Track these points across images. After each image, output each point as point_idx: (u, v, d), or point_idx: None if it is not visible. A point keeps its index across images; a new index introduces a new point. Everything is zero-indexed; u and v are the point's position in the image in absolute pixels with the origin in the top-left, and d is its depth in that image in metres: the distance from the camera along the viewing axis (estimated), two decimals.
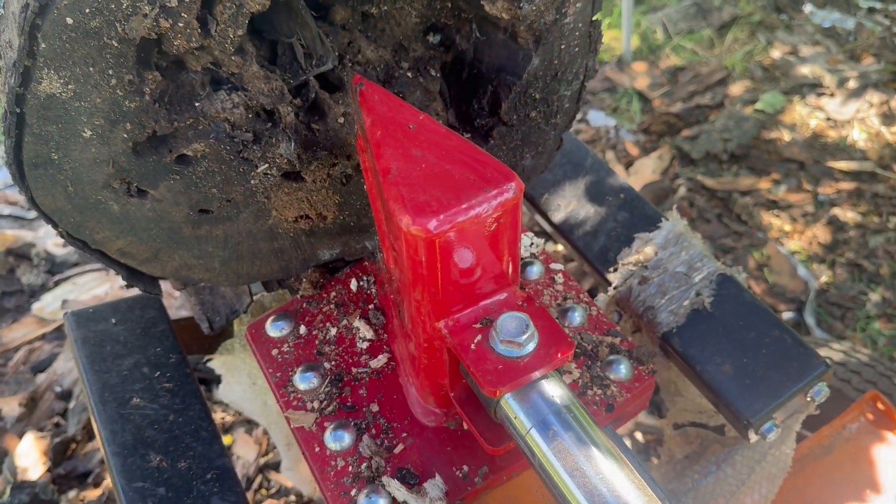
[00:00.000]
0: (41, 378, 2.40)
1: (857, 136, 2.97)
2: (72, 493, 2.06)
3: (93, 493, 2.06)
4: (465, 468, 0.80)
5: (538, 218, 1.23)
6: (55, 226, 0.77)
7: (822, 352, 1.67)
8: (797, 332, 2.33)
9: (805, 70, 3.29)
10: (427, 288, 0.66)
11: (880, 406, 1.41)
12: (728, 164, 2.94)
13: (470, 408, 0.76)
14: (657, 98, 3.31)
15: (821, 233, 2.63)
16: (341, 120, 0.82)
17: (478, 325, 0.69)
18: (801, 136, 3.00)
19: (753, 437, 0.94)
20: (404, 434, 0.83)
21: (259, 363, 0.91)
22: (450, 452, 0.81)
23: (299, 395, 0.86)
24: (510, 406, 0.66)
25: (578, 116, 3.27)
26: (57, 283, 2.68)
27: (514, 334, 0.66)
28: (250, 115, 0.78)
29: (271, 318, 0.94)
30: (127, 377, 1.01)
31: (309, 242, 0.93)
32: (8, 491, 2.06)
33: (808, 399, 0.96)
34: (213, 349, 1.30)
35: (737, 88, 3.27)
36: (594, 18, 0.84)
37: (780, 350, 0.97)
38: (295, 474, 1.54)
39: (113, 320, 1.08)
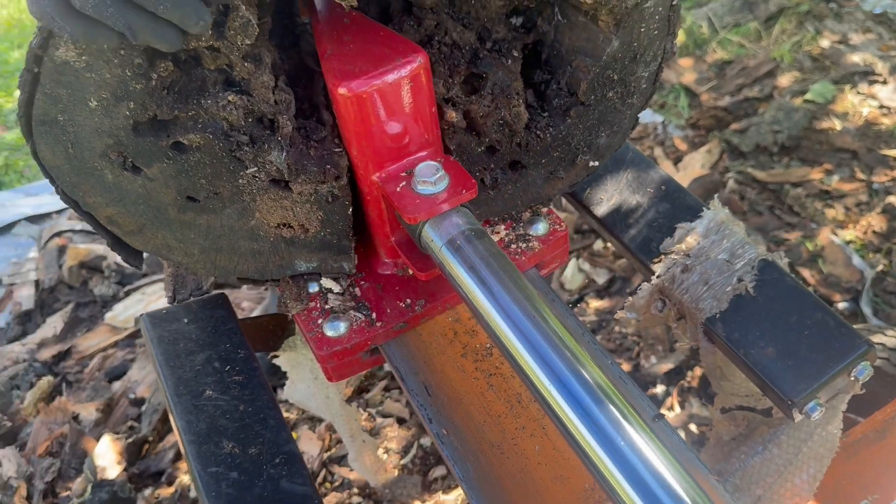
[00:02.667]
0: (116, 385, 2.53)
1: None
2: (147, 491, 2.17)
3: (167, 491, 2.17)
4: (409, 301, 1.03)
5: (586, 219, 1.27)
6: (53, 182, 0.85)
7: (877, 338, 1.66)
8: (853, 321, 2.31)
9: (856, 58, 3.24)
10: (359, 142, 0.86)
11: None
12: (779, 156, 2.92)
13: (406, 248, 0.98)
14: (705, 92, 3.30)
15: (876, 221, 2.59)
16: (338, 149, 0.90)
17: (404, 174, 0.89)
18: (854, 124, 2.96)
19: (798, 416, 0.97)
20: (363, 282, 1.05)
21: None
22: (398, 291, 1.04)
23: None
24: (428, 232, 0.86)
25: None
26: (127, 294, 2.82)
27: (428, 176, 0.86)
28: (250, 120, 0.85)
29: None
30: (199, 372, 1.09)
31: (288, 251, 1.01)
32: (89, 489, 2.18)
33: (852, 379, 0.98)
34: (277, 345, 1.37)
35: (785, 80, 3.24)
36: (674, 2, 0.89)
37: (822, 331, 0.99)
38: (360, 465, 1.61)
39: (185, 320, 1.16)
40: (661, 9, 0.88)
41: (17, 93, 0.78)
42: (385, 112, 0.84)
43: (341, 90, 0.81)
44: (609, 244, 2.72)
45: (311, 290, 1.05)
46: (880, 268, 2.45)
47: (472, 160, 1.01)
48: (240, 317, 1.20)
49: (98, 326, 2.73)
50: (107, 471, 2.23)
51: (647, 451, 0.65)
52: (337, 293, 1.04)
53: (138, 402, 2.46)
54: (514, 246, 1.06)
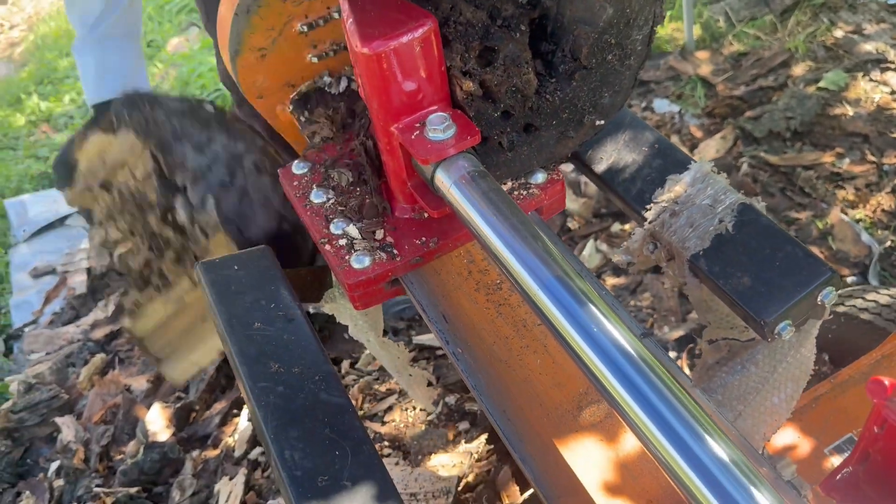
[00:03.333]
0: None
1: None
2: (195, 453, 2.35)
3: (213, 453, 2.35)
4: (424, 238, 1.17)
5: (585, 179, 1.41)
6: None
7: (870, 296, 1.78)
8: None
9: (869, 47, 3.34)
10: (381, 98, 1.00)
11: None
12: (791, 141, 3.03)
13: (421, 191, 1.11)
14: (720, 83, 3.41)
15: (885, 201, 2.69)
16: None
17: (418, 125, 1.02)
18: (865, 110, 3.06)
19: (771, 336, 1.10)
20: (386, 224, 1.21)
21: (286, 191, 1.29)
22: (415, 231, 1.18)
23: (314, 207, 1.23)
24: (439, 175, 0.99)
25: (643, 104, 3.42)
26: None
27: (437, 124, 0.99)
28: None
29: (296, 161, 1.31)
30: (249, 308, 1.25)
31: None
32: (141, 451, 2.37)
33: (819, 302, 1.11)
34: (317, 297, 1.54)
35: (799, 69, 3.35)
36: None
37: (792, 262, 1.12)
38: (413, 394, 1.82)
39: (235, 267, 1.32)
40: None
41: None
42: (400, 70, 0.98)
43: (364, 50, 0.95)
44: (627, 226, 2.85)
45: (334, 232, 1.21)
46: (888, 243, 2.55)
47: (489, 125, 1.13)
48: None
49: None
50: (157, 435, 2.42)
51: (633, 353, 0.79)
52: (361, 237, 1.20)
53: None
54: (515, 192, 1.20)
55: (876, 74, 3.20)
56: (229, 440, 2.35)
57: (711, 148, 3.03)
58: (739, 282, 1.14)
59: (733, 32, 3.67)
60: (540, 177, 1.21)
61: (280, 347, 1.20)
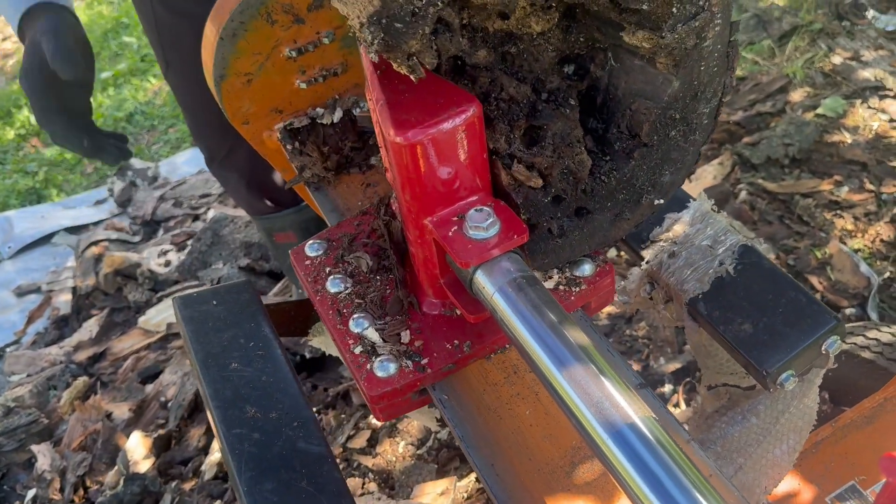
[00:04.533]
0: (149, 388, 2.66)
1: None
2: (174, 484, 2.29)
3: (192, 483, 2.28)
4: (457, 342, 1.04)
5: None
6: None
7: (871, 333, 1.73)
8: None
9: (867, 74, 3.31)
10: (414, 190, 0.88)
11: None
12: (789, 168, 2.99)
13: (456, 289, 0.98)
14: None
15: (884, 230, 2.65)
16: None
17: (455, 219, 0.90)
18: (864, 137, 3.03)
19: (773, 387, 1.05)
20: (411, 322, 1.07)
21: (298, 275, 1.17)
22: (445, 331, 1.05)
23: (329, 297, 1.11)
24: (479, 278, 0.87)
25: None
26: (160, 299, 2.95)
27: (480, 221, 0.87)
28: None
29: (309, 242, 1.18)
30: (226, 347, 1.19)
31: None
32: (122, 482, 2.30)
33: (824, 352, 1.06)
34: (302, 331, 1.48)
35: (797, 95, 3.32)
36: (731, 38, 0.88)
37: (795, 308, 1.07)
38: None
39: (214, 302, 1.27)
40: (719, 46, 0.87)
41: None
42: (439, 160, 0.86)
43: (397, 139, 0.83)
44: (622, 252, 2.80)
45: (354, 330, 1.06)
46: (887, 274, 2.50)
47: (538, 211, 1.00)
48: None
49: (132, 330, 2.87)
50: (138, 465, 2.35)
51: (629, 411, 0.73)
52: (383, 342, 1.05)
53: (168, 405, 2.58)
54: (562, 288, 1.07)
55: (874, 101, 3.17)
56: (207, 468, 2.29)
57: (709, 174, 3.00)
58: (740, 328, 1.09)
59: None
60: (588, 268, 1.08)
61: (257, 390, 1.14)
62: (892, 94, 3.19)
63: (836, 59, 3.45)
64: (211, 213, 3.39)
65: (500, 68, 0.96)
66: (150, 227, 3.35)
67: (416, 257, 1.01)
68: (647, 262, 1.20)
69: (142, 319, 2.85)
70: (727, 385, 1.21)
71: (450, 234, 0.89)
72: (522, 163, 0.95)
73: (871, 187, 2.82)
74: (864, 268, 2.52)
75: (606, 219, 1.05)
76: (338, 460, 2.12)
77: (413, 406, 1.06)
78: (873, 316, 2.37)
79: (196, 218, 3.41)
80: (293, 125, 1.43)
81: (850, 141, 3.02)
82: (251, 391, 1.14)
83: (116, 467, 2.34)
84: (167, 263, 3.04)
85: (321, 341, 1.51)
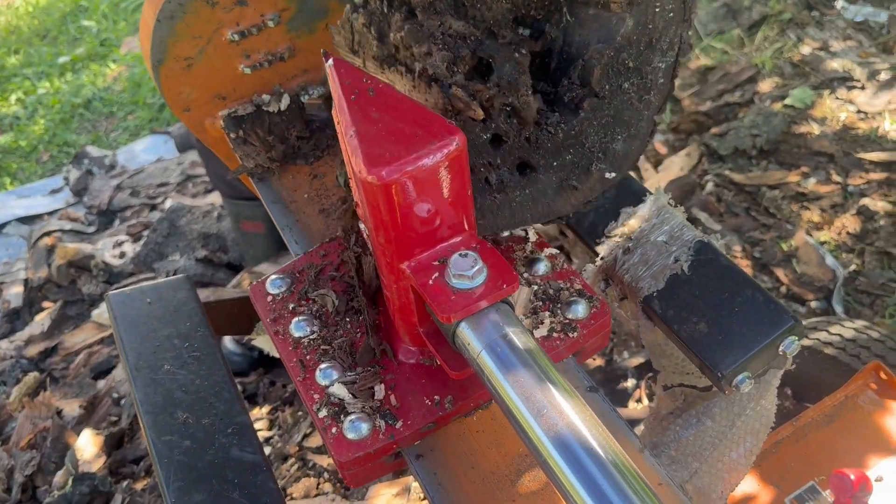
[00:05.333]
0: (101, 384, 2.58)
1: (889, 126, 2.96)
2: (125, 483, 2.21)
3: (142, 483, 2.21)
4: (437, 397, 0.92)
5: None
6: None
7: (834, 329, 1.70)
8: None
9: (835, 64, 3.30)
10: (387, 232, 0.77)
11: (883, 376, 1.45)
12: (757, 160, 2.96)
13: (436, 341, 0.87)
14: (687, 98, 3.35)
15: (850, 223, 2.63)
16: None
17: (436, 264, 0.80)
18: (831, 129, 3.01)
19: (728, 389, 1.01)
20: (385, 373, 0.95)
21: (259, 314, 1.05)
22: (424, 384, 0.94)
23: (293, 341, 0.99)
24: (464, 332, 0.77)
25: None
26: None
27: (465, 269, 0.77)
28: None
29: (272, 276, 1.06)
30: (159, 348, 1.13)
31: None
32: (70, 482, 2.22)
33: (781, 353, 1.02)
34: (246, 328, 1.42)
35: (766, 85, 3.29)
36: None
37: (752, 308, 1.03)
38: None
39: (148, 300, 1.20)
40: None
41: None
42: (418, 199, 0.76)
43: (370, 178, 0.72)
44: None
45: (321, 382, 0.94)
46: (853, 267, 2.49)
47: (476, 150, 0.94)
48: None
49: (85, 324, 2.78)
50: (88, 464, 2.27)
51: (575, 420, 0.68)
52: (353, 398, 0.93)
53: (121, 401, 2.51)
54: (556, 335, 0.96)
55: (842, 92, 3.16)
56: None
57: (676, 165, 2.96)
58: (695, 328, 1.04)
59: (700, 46, 3.61)
60: (581, 310, 0.97)
61: (190, 394, 1.08)
62: (859, 84, 3.17)
63: (805, 50, 3.43)
64: (168, 203, 3.30)
65: (450, 13, 0.90)
66: (106, 217, 3.25)
67: (391, 302, 0.90)
68: (601, 259, 1.16)
69: (95, 313, 2.76)
70: (683, 385, 1.17)
71: (430, 281, 0.78)
72: (464, 90, 0.87)
73: (837, 179, 2.81)
74: (829, 260, 2.51)
75: (552, 183, 0.99)
76: (293, 459, 2.06)
77: (388, 469, 0.94)
78: (838, 309, 2.35)
79: (153, 208, 3.31)
80: (237, 113, 1.35)
81: (817, 132, 3.00)
82: (184, 395, 1.08)
83: (65, 467, 2.26)
84: (122, 255, 2.94)
85: (265, 340, 1.45)
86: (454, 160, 0.74)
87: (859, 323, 1.73)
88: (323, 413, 0.91)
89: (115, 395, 2.48)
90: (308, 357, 0.97)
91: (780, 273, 2.52)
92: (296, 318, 1.00)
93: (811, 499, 1.34)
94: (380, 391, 0.93)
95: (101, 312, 2.76)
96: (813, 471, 1.38)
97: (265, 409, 2.30)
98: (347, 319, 1.00)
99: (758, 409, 1.09)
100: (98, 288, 2.88)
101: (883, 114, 3.01)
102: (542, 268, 1.01)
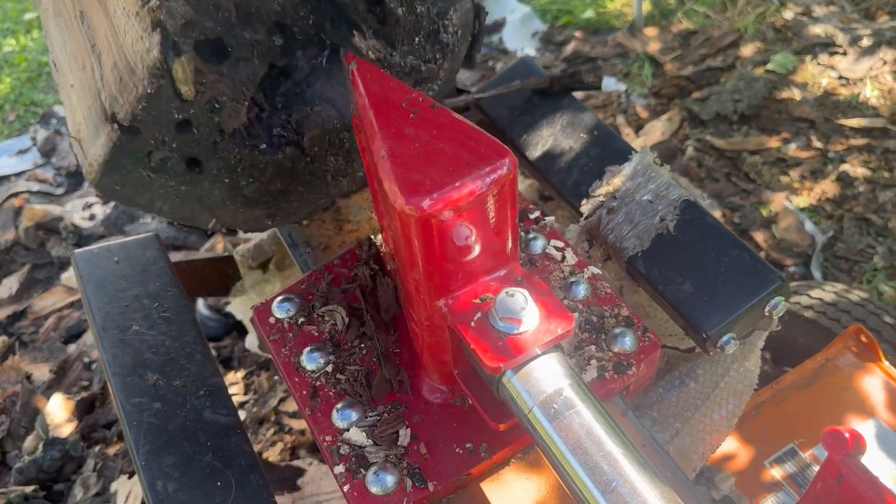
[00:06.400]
0: (71, 348, 2.52)
1: (869, 93, 2.95)
2: (97, 448, 2.18)
3: (116, 448, 2.17)
4: (470, 445, 0.81)
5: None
6: None
7: (815, 293, 1.69)
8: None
9: (818, 30, 3.27)
10: (425, 267, 0.66)
11: (863, 339, 1.44)
12: (738, 125, 2.95)
13: (474, 385, 0.77)
14: (669, 62, 3.31)
15: (829, 188, 2.63)
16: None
17: (477, 302, 0.69)
18: (812, 94, 2.99)
19: (713, 350, 0.99)
20: (411, 415, 0.84)
21: (265, 343, 0.94)
22: (455, 428, 0.82)
23: (306, 375, 0.89)
24: (512, 384, 0.67)
25: None
26: None
27: (514, 311, 0.66)
28: None
29: (278, 299, 0.96)
30: (128, 308, 1.09)
31: None
32: (41, 447, 2.18)
33: (767, 314, 1.00)
34: (220, 290, 1.37)
35: (748, 50, 3.26)
36: None
37: (738, 267, 1.01)
38: None
39: (116, 259, 1.16)
40: None
41: None
42: (460, 231, 0.64)
43: (407, 208, 0.61)
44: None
45: (338, 424, 0.84)
46: (831, 233, 2.49)
47: (156, 122, 0.81)
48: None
49: (54, 287, 2.71)
50: (59, 429, 2.23)
51: (650, 497, 0.61)
52: (375, 446, 0.83)
53: (92, 366, 2.46)
54: (608, 375, 0.86)
55: (824, 58, 3.14)
56: None
57: (657, 130, 2.94)
58: (680, 288, 1.02)
59: (683, 10, 3.57)
60: (629, 343, 0.87)
61: (160, 355, 1.04)
62: (841, 50, 3.15)
63: (788, 14, 3.40)
64: None
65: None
66: (75, 178, 3.17)
67: (420, 338, 0.79)
68: (585, 219, 1.13)
69: (65, 276, 2.70)
70: (667, 347, 1.15)
71: (472, 324, 0.67)
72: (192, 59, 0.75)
73: (818, 145, 2.80)
74: (808, 226, 2.51)
75: (214, 190, 0.89)
76: (269, 424, 2.04)
77: None
78: (816, 275, 2.35)
79: None
80: None
81: (798, 98, 2.98)
82: (154, 357, 1.04)
83: (35, 431, 2.22)
84: (92, 217, 2.87)
85: (242, 302, 1.41)
86: (504, 187, 0.63)
87: (839, 287, 1.73)
88: (339, 463, 0.81)
89: (87, 360, 2.43)
90: (322, 393, 0.87)
91: (759, 238, 2.51)
92: (307, 349, 0.90)
93: (790, 460, 1.34)
94: (404, 436, 0.82)
95: (70, 276, 2.70)
96: (793, 433, 1.38)
97: (240, 374, 2.26)
98: (362, 345, 0.90)
99: (741, 370, 1.07)
100: (67, 251, 2.81)
101: (864, 80, 3.00)
102: (582, 291, 0.92)
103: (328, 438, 0.83)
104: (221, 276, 1.33)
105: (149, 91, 0.72)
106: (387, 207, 0.67)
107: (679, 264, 1.03)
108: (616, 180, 1.13)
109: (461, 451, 0.81)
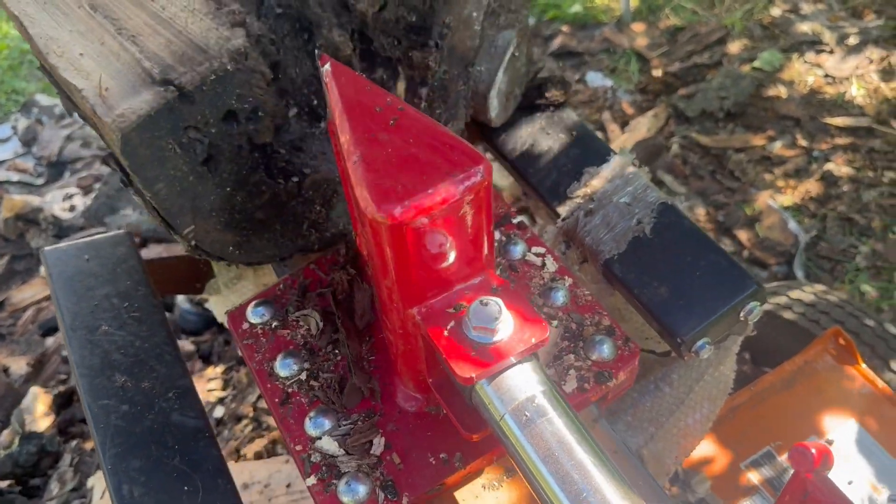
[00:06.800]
0: (50, 341, 2.49)
1: (855, 92, 2.95)
2: (74, 443, 2.16)
3: (91, 444, 2.15)
4: (444, 455, 0.81)
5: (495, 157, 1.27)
6: None
7: (794, 294, 1.69)
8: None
9: (805, 27, 3.27)
10: (397, 275, 0.66)
11: (841, 342, 1.44)
12: (724, 122, 2.94)
13: (448, 394, 0.76)
14: (655, 58, 3.30)
15: (813, 188, 2.63)
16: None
17: (451, 311, 0.68)
18: (799, 93, 2.99)
19: (688, 355, 0.98)
20: (385, 424, 0.83)
21: (239, 347, 0.92)
22: (429, 437, 0.81)
23: (279, 382, 0.87)
24: (485, 392, 0.66)
25: (576, 76, 3.28)
26: None
27: (487, 320, 0.66)
28: None
29: (252, 303, 0.94)
30: (97, 307, 1.07)
31: None
32: (17, 441, 2.16)
33: (742, 318, 0.99)
34: (194, 289, 1.35)
35: (735, 47, 3.26)
36: None
37: (714, 272, 1.00)
38: None
39: (86, 257, 1.14)
40: None
41: None
42: (434, 239, 0.64)
43: (378, 216, 0.60)
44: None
45: (310, 433, 0.83)
46: (814, 233, 2.49)
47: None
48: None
49: (33, 279, 2.68)
50: (35, 423, 2.21)
51: None
52: (347, 455, 0.82)
53: None
54: (587, 386, 0.85)
55: (811, 56, 3.14)
56: None
57: (643, 126, 2.93)
58: (656, 292, 1.01)
59: (670, 5, 3.56)
60: (607, 350, 0.86)
61: (129, 356, 1.02)
62: (828, 49, 3.15)
63: (776, 12, 3.39)
64: None
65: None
66: (56, 168, 3.13)
67: (394, 346, 0.78)
68: (562, 220, 1.12)
69: (44, 269, 2.67)
70: (643, 350, 1.14)
71: (445, 332, 0.67)
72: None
73: (803, 143, 2.80)
74: (792, 225, 2.51)
75: (211, 196, 0.88)
76: (247, 420, 2.02)
77: None
78: (799, 274, 2.36)
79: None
80: None
81: (785, 96, 2.98)
82: (122, 358, 1.02)
83: (12, 425, 2.20)
84: (72, 208, 2.84)
85: (217, 301, 1.39)
86: (479, 194, 0.62)
87: (818, 288, 1.72)
88: (311, 472, 0.80)
89: (65, 354, 2.41)
90: (295, 400, 0.85)
91: (742, 237, 2.51)
92: (281, 354, 0.88)
93: (766, 464, 1.33)
94: (378, 445, 0.81)
95: None
96: (769, 436, 1.38)
97: (219, 369, 2.24)
98: (336, 351, 0.89)
99: (716, 374, 1.07)
100: (47, 242, 2.78)
101: (850, 79, 3.00)
102: (561, 298, 0.91)
103: (299, 447, 0.82)
104: (195, 274, 1.32)
105: (228, 68, 0.77)
106: (359, 214, 0.66)
107: (655, 268, 1.02)
108: (594, 182, 1.12)
109: (435, 461, 0.80)
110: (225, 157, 0.83)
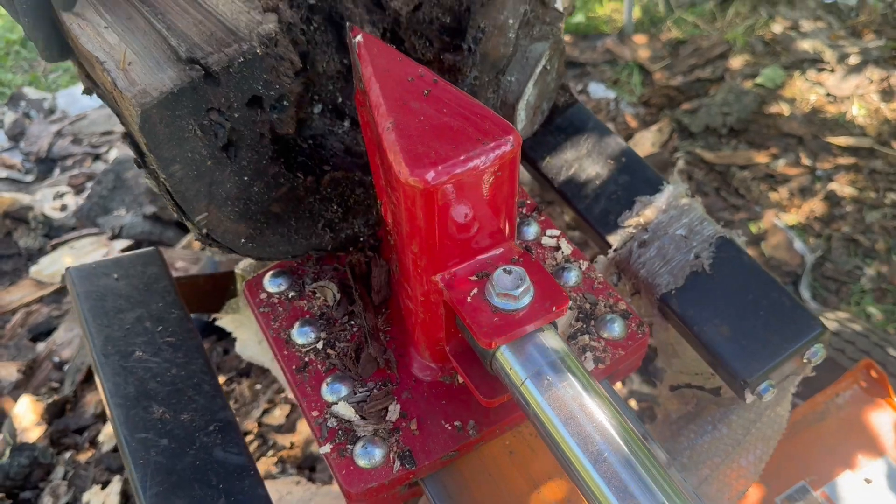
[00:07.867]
0: (41, 346, 2.41)
1: (857, 111, 2.97)
2: (68, 454, 2.08)
3: (87, 454, 2.08)
4: (459, 423, 0.82)
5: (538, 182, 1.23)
6: None
7: None
8: None
9: (806, 45, 3.28)
10: (424, 241, 0.68)
11: (873, 374, 1.43)
12: (727, 138, 2.94)
13: (466, 361, 0.78)
14: (658, 71, 3.29)
15: (818, 207, 2.64)
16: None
17: (474, 279, 0.71)
18: (801, 111, 3.00)
19: (750, 397, 0.95)
20: (401, 392, 0.85)
21: (256, 317, 0.92)
22: (444, 406, 0.83)
23: (296, 350, 0.89)
24: (505, 358, 0.68)
25: (578, 87, 3.26)
26: (55, 247, 2.68)
27: (510, 287, 0.68)
28: None
29: (269, 273, 0.95)
30: (129, 331, 1.01)
31: None
32: (8, 452, 2.08)
33: (805, 361, 0.97)
34: (216, 307, 1.31)
35: (737, 62, 3.26)
36: None
37: (778, 312, 0.97)
38: None
39: (115, 276, 1.08)
40: None
41: None
42: (461, 206, 0.67)
43: (412, 180, 0.62)
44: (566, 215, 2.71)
45: (327, 398, 0.84)
46: (820, 253, 2.49)
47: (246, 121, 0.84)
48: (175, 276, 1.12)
49: (22, 280, 2.59)
50: (27, 433, 2.13)
51: (640, 470, 0.61)
52: (363, 420, 0.83)
53: (63, 366, 2.35)
54: (589, 353, 0.88)
55: (812, 74, 3.15)
56: (106, 438, 2.09)
57: (647, 140, 2.92)
58: (717, 330, 0.98)
59: (672, 18, 3.56)
60: (617, 329, 0.89)
61: (166, 385, 0.97)
62: (829, 67, 3.17)
63: (777, 28, 3.40)
64: (114, 153, 3.09)
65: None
66: (46, 165, 3.03)
67: (413, 315, 0.80)
68: (614, 250, 1.09)
69: (34, 269, 2.58)
70: (692, 386, 1.12)
71: (468, 299, 0.69)
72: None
73: (806, 162, 2.80)
74: (798, 245, 2.51)
75: (228, 183, 0.86)
76: (252, 437, 1.96)
77: (402, 499, 0.84)
78: (806, 295, 2.36)
79: (97, 157, 3.10)
80: None
81: (787, 113, 2.99)
82: (159, 387, 0.97)
83: (2, 436, 2.11)
84: (63, 207, 2.75)
85: (233, 320, 1.34)
86: (507, 164, 0.65)
87: (841, 315, 1.72)
88: (327, 437, 0.81)
89: (57, 360, 2.32)
90: (311, 367, 0.87)
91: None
92: (298, 322, 0.90)
93: (801, 499, 1.31)
94: (393, 412, 0.83)
95: (40, 269, 2.58)
96: (804, 470, 1.36)
97: (220, 380, 2.18)
98: (352, 322, 0.90)
99: (772, 415, 1.04)
100: (37, 242, 2.69)
101: (851, 98, 3.02)
102: (573, 277, 0.93)
103: (315, 413, 0.83)
104: (220, 292, 1.26)
105: (257, 52, 0.75)
106: (389, 180, 0.68)
107: (716, 305, 1.00)
108: (647, 212, 1.09)
109: (450, 428, 0.82)
110: (246, 144, 0.82)
